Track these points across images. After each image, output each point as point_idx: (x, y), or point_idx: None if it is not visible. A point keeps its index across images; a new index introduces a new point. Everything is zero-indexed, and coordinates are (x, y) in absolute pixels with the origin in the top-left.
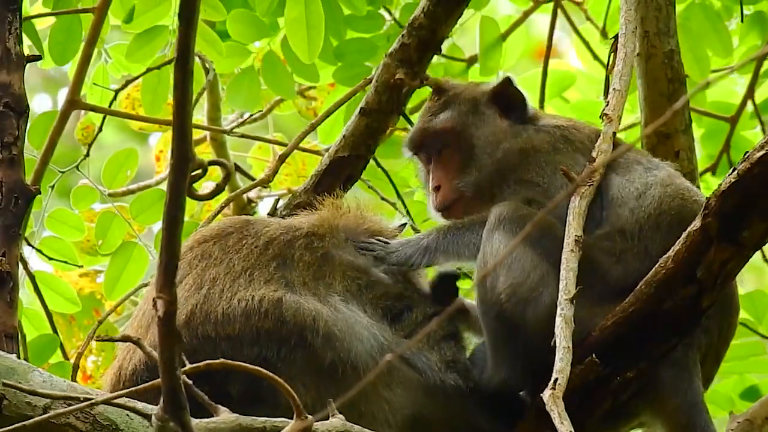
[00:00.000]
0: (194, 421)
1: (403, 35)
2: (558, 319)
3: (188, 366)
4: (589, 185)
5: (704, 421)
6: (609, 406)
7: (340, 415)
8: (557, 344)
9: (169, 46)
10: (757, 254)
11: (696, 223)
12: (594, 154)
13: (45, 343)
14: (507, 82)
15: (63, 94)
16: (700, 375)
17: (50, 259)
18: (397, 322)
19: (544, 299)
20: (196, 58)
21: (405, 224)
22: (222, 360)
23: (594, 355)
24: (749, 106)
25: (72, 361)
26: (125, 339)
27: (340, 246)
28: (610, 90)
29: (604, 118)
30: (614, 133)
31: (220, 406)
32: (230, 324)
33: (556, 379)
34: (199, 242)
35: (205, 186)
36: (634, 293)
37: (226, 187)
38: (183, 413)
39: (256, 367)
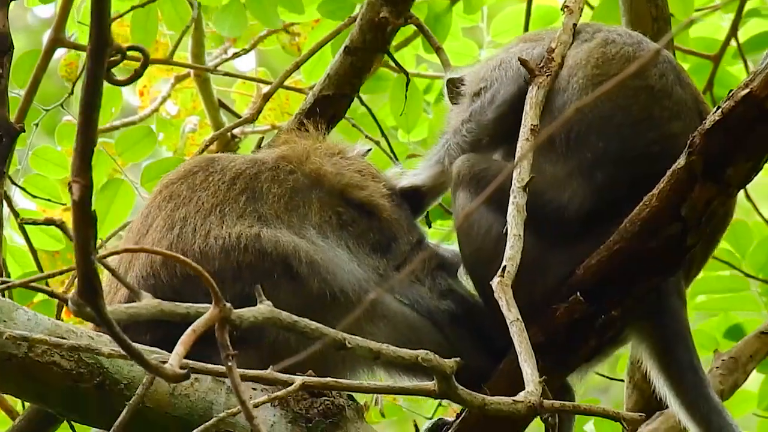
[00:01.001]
0: (113, 306)
1: None
2: (510, 207)
3: (106, 251)
4: (547, 75)
5: (683, 349)
6: (594, 344)
7: (268, 302)
8: (508, 232)
9: None
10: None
11: (680, 161)
12: (553, 45)
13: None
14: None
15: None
16: (683, 294)
17: (34, 197)
18: (386, 253)
19: (502, 260)
20: None
21: (370, 149)
22: (141, 246)
23: (579, 294)
24: (733, 51)
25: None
26: (48, 222)
27: (312, 178)
28: None
29: (565, 9)
30: (574, 24)
31: (142, 291)
32: (209, 262)
33: (505, 267)
34: (166, 185)
35: (188, 120)
36: (618, 231)
37: (211, 128)
38: (97, 298)
39: (173, 253)
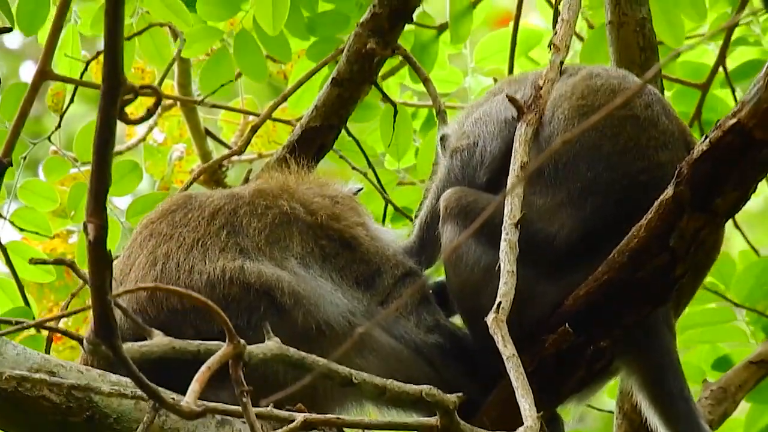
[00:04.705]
0: (127, 345)
1: (374, 5)
2: (503, 244)
3: (120, 290)
4: (535, 113)
5: (673, 380)
6: (583, 374)
7: (276, 339)
8: (501, 269)
9: (135, 16)
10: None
11: (668, 191)
12: (540, 82)
13: (18, 315)
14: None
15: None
16: (672, 326)
17: (22, 230)
18: (370, 288)
19: (491, 291)
20: (166, 29)
21: (361, 189)
22: (155, 284)
23: (567, 324)
24: (721, 78)
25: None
26: (59, 261)
27: (288, 213)
28: (558, 20)
29: (552, 47)
30: (561, 62)
31: (154, 329)
32: None
33: (500, 303)
34: (145, 225)
35: (175, 148)
36: (606, 262)
37: (198, 155)
38: (113, 337)
39: (188, 291)
